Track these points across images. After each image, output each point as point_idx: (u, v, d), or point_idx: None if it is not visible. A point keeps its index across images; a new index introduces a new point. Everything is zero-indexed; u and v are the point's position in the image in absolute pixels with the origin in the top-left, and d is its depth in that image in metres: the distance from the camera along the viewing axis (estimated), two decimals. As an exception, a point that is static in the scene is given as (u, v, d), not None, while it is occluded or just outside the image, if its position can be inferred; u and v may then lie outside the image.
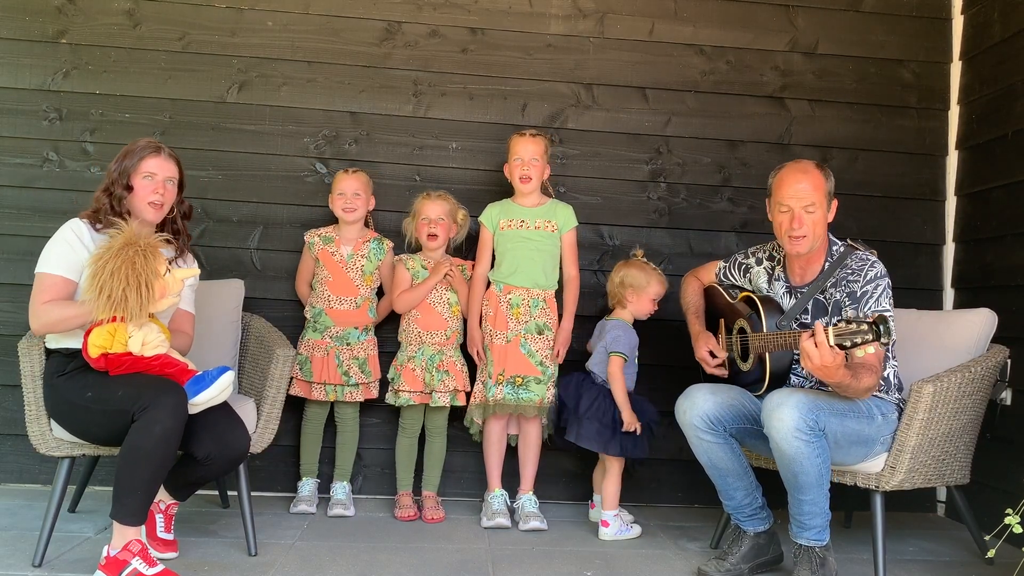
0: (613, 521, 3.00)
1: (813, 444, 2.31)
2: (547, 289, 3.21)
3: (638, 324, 3.16)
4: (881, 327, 2.12)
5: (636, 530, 3.05)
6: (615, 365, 3.01)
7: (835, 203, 2.61)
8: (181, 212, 2.69)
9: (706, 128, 3.61)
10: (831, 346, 2.18)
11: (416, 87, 3.53)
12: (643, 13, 3.60)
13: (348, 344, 3.20)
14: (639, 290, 3.10)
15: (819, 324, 2.27)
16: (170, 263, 2.63)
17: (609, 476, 3.03)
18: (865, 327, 2.14)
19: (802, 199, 2.53)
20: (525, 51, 3.56)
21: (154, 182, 2.53)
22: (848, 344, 2.16)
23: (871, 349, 2.16)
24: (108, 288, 2.26)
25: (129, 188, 2.52)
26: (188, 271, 2.44)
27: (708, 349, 2.78)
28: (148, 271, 2.29)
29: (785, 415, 2.31)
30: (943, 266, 3.66)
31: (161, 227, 2.64)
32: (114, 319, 2.32)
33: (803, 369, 2.59)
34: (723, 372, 2.77)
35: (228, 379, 2.35)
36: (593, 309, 3.47)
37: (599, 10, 3.59)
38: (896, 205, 3.65)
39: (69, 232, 2.46)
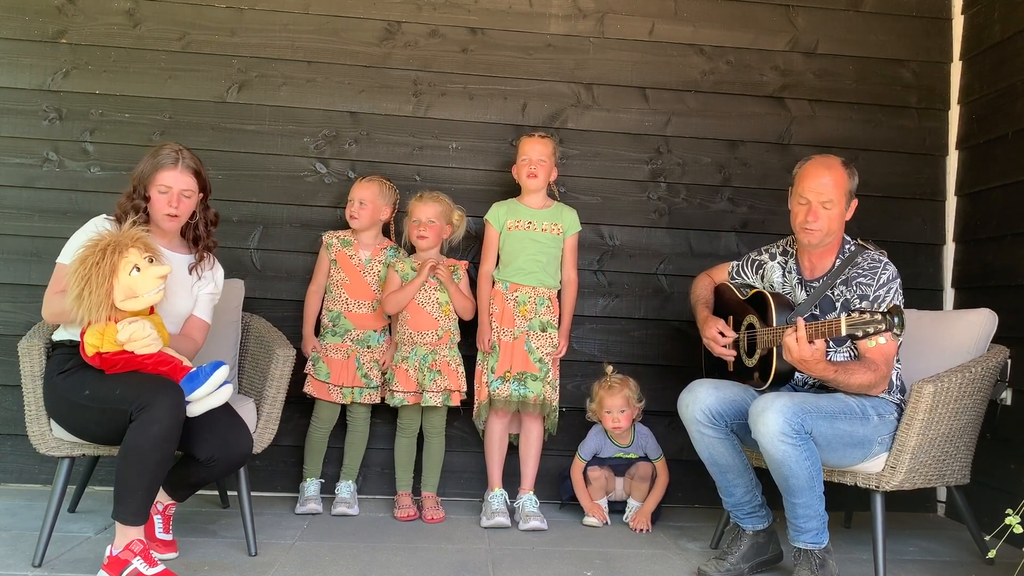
0: None
1: (800, 447, 2.32)
2: (552, 288, 3.24)
3: (640, 326, 3.17)
4: (896, 318, 2.13)
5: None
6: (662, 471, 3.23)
7: (855, 202, 2.62)
8: (207, 219, 2.69)
9: (706, 128, 3.61)
10: (842, 338, 2.23)
11: (416, 87, 3.53)
12: (643, 13, 3.60)
13: (368, 347, 3.22)
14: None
15: (800, 320, 2.31)
16: (192, 268, 2.64)
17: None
18: (879, 316, 2.15)
19: (820, 194, 2.54)
20: (525, 51, 3.56)
21: (169, 195, 2.54)
22: (860, 334, 2.18)
23: (882, 340, 2.17)
24: (75, 289, 2.27)
25: (146, 198, 2.55)
26: (161, 268, 2.35)
27: (718, 329, 2.75)
28: (101, 272, 2.26)
29: (769, 419, 2.31)
30: (943, 266, 3.66)
31: (182, 234, 2.67)
32: (110, 318, 2.31)
33: None
34: (731, 354, 2.74)
35: (222, 374, 2.33)
36: (593, 309, 3.49)
37: (599, 10, 3.59)
38: (896, 205, 3.65)
39: (92, 226, 2.49)
